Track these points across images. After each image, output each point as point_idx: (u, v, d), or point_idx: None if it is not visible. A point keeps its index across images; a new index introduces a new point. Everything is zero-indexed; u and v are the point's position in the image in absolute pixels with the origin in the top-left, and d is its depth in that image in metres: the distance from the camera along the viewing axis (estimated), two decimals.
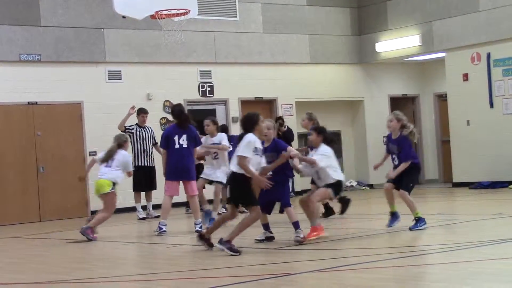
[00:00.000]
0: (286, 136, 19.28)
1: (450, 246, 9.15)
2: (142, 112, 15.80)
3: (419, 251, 9.09)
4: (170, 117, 17.81)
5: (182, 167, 11.98)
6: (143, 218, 15.34)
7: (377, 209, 14.27)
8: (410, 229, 10.54)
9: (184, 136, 11.99)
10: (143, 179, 15.52)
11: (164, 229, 12.06)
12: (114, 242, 12.05)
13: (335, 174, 10.48)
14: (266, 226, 10.40)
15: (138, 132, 15.55)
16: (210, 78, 18.74)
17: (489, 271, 7.43)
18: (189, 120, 12.13)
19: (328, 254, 9.22)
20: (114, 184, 12.03)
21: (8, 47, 16.28)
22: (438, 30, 19.15)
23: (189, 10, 14.80)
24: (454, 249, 8.93)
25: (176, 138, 11.97)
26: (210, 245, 9.78)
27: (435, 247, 9.26)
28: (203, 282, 8.00)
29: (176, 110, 12.33)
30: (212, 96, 18.73)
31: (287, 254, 9.53)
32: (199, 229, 11.66)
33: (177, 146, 11.94)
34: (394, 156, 10.92)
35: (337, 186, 10.50)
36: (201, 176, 13.52)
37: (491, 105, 18.14)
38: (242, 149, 9.38)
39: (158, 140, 15.80)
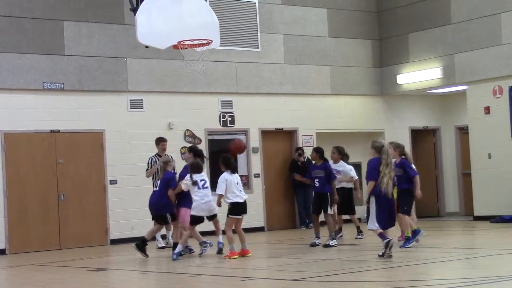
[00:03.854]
0: (305, 166, 19.30)
1: (470, 280, 9.08)
2: (161, 141, 15.81)
3: (438, 284, 9.01)
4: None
5: None
6: (163, 247, 15.33)
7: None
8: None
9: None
10: None
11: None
12: (133, 271, 12.06)
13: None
14: None
15: (158, 162, 15.54)
16: (231, 108, 18.81)
17: None
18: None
19: (341, 285, 9.16)
20: None
21: (32, 76, 16.46)
22: (460, 63, 19.14)
23: (212, 41, 14.85)
24: (474, 283, 8.85)
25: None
26: None
27: (455, 281, 9.18)
28: None
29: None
30: (233, 126, 18.79)
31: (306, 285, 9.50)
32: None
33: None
34: None
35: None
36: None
37: None
38: None
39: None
